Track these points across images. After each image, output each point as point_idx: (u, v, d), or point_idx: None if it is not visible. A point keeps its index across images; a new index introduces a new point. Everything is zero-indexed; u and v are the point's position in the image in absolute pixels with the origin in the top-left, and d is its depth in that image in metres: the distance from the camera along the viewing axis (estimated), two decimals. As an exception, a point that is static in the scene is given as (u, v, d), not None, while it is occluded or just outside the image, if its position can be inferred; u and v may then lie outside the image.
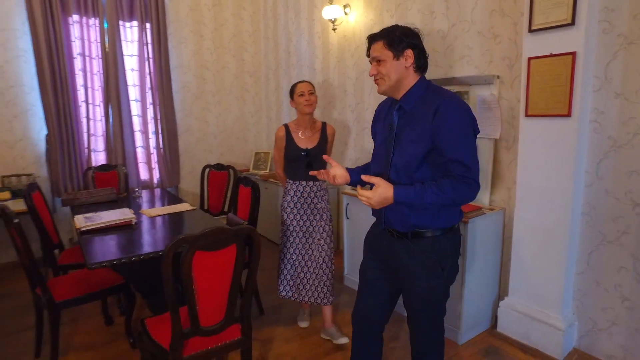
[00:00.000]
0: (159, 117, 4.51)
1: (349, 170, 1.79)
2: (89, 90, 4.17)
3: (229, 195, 3.66)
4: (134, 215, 2.59)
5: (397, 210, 1.57)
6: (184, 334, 1.68)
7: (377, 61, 1.55)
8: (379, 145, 1.68)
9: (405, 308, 1.74)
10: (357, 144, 3.88)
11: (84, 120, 4.17)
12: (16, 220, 2.05)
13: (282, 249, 2.65)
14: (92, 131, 4.23)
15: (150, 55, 4.39)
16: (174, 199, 3.42)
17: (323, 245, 2.54)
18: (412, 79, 1.56)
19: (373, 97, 3.59)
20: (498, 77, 2.61)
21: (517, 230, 2.49)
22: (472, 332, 2.59)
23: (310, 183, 2.55)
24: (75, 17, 4.01)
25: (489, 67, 2.67)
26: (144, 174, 4.55)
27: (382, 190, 1.47)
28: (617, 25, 2.10)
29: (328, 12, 3.69)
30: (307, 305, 2.80)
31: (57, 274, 2.75)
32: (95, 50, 4.15)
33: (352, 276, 3.30)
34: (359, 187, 1.61)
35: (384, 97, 1.75)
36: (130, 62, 4.37)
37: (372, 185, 1.53)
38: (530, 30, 2.28)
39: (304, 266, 2.59)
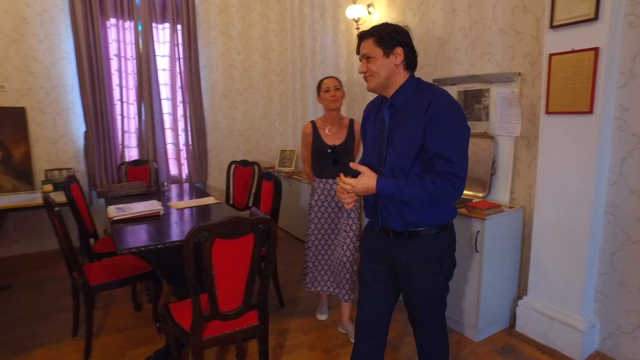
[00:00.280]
0: (188, 114, 4.69)
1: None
2: (124, 90, 4.39)
3: (253, 190, 3.77)
4: (161, 207, 2.74)
5: (392, 208, 1.57)
6: (204, 317, 1.78)
7: (367, 58, 1.55)
8: (370, 145, 1.67)
9: (406, 307, 1.74)
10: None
11: (119, 118, 4.39)
12: (56, 209, 2.22)
13: (308, 245, 2.68)
14: (126, 128, 4.45)
15: (181, 56, 4.57)
16: (201, 193, 3.57)
17: (349, 244, 2.52)
18: (402, 76, 1.56)
19: (395, 95, 3.61)
20: (519, 74, 2.59)
21: (537, 229, 2.46)
22: (490, 330, 2.59)
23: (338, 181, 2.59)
24: (113, 20, 4.24)
25: (511, 64, 2.65)
26: (173, 170, 4.74)
27: (365, 179, 1.51)
28: (643, 19, 2.05)
29: (352, 12, 3.74)
30: (326, 298, 2.86)
31: (92, 260, 2.94)
32: (130, 52, 4.37)
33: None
34: (341, 175, 1.61)
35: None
36: (162, 62, 4.56)
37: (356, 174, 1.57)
38: (552, 26, 2.25)
39: (327, 261, 2.64)
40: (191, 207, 2.95)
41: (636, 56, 2.09)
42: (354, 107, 4.16)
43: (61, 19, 4.07)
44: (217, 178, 5.02)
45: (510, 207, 2.60)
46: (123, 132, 4.43)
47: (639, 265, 2.17)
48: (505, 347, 2.48)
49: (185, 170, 4.80)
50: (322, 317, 2.82)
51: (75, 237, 3.10)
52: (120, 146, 4.43)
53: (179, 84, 4.62)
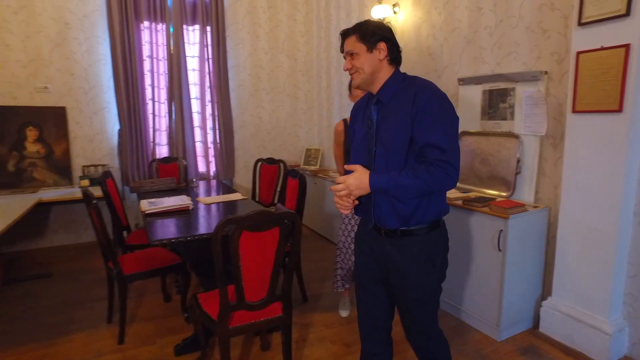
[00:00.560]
0: (216, 113, 4.83)
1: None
2: (155, 89, 4.56)
3: (278, 188, 3.85)
4: (191, 202, 2.85)
5: (384, 205, 1.55)
6: (230, 306, 1.87)
7: (351, 55, 1.56)
8: (358, 143, 1.65)
9: (397, 309, 1.70)
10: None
11: (150, 117, 4.57)
12: (95, 202, 2.36)
13: (339, 247, 2.72)
14: (157, 126, 4.63)
15: (210, 56, 4.72)
16: (228, 190, 3.68)
17: None
18: (386, 71, 1.57)
19: (420, 94, 3.62)
20: (546, 72, 2.56)
21: (562, 229, 2.44)
22: (512, 330, 2.57)
23: None
24: (146, 23, 4.42)
25: (537, 62, 2.62)
26: (201, 167, 4.90)
27: (358, 174, 1.50)
28: (677, 15, 2.00)
29: (377, 12, 3.77)
30: (348, 294, 2.91)
31: (125, 252, 3.09)
32: (162, 53, 4.54)
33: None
34: (336, 178, 1.62)
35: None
36: (192, 63, 4.72)
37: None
38: (580, 24, 2.23)
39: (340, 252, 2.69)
40: (218, 203, 3.06)
41: (668, 54, 2.04)
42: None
43: (99, 23, 4.28)
44: (243, 176, 5.15)
45: (535, 207, 2.58)
46: (154, 131, 4.61)
47: (669, 268, 2.12)
48: (528, 347, 2.46)
49: (212, 168, 4.94)
50: (344, 313, 2.86)
51: (109, 229, 3.26)
52: (151, 144, 4.61)
53: (207, 83, 4.76)
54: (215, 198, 3.20)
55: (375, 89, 1.59)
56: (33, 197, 3.58)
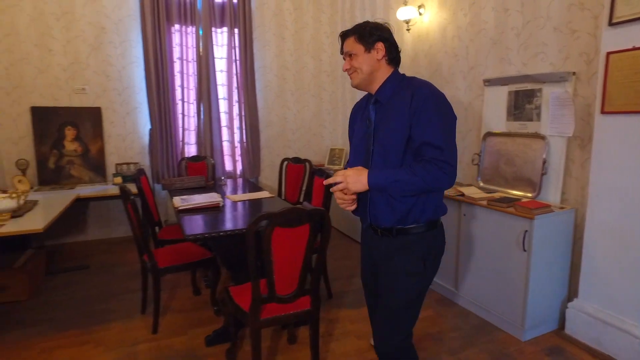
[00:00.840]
0: (243, 113, 4.95)
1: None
2: (185, 90, 4.72)
3: (304, 187, 3.94)
4: (221, 199, 2.97)
5: (380, 204, 1.55)
6: (262, 299, 1.96)
7: (350, 55, 1.59)
8: (357, 143, 1.66)
9: (379, 308, 1.67)
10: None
11: (180, 117, 4.73)
12: (132, 197, 2.49)
13: None
14: (186, 126, 4.79)
15: (238, 58, 4.84)
16: (255, 188, 3.79)
17: None
18: (385, 71, 1.59)
19: (445, 94, 3.63)
20: (574, 73, 2.55)
21: (589, 231, 2.43)
22: (537, 331, 2.58)
23: None
24: (177, 26, 4.57)
25: (565, 63, 2.62)
26: (228, 165, 5.03)
27: (357, 169, 1.51)
28: None
29: (403, 13, 3.80)
30: None
31: (157, 247, 3.23)
32: (191, 55, 4.69)
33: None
34: (335, 173, 1.59)
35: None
36: (220, 64, 4.85)
37: None
38: (611, 24, 2.22)
39: None
40: (247, 200, 3.16)
41: (702, 54, 2.02)
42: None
43: (133, 27, 4.46)
44: (268, 175, 5.26)
45: (561, 208, 2.57)
46: (183, 130, 4.76)
47: (701, 271, 2.10)
48: (554, 348, 2.47)
49: (239, 167, 5.07)
50: None
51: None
52: (180, 143, 4.77)
53: (235, 84, 4.89)
54: (244, 196, 3.31)
55: (373, 89, 1.61)
56: (72, 193, 3.77)
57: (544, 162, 2.70)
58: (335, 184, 1.55)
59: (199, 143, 4.84)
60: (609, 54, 2.24)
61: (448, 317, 2.85)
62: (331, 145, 5.56)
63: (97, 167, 4.48)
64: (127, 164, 4.59)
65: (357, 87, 1.63)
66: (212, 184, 3.98)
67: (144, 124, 4.65)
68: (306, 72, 5.34)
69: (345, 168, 1.64)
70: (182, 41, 4.62)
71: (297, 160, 4.09)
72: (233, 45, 4.82)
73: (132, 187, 3.28)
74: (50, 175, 4.28)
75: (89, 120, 4.41)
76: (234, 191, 3.67)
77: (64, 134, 4.32)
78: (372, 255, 1.69)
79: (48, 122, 4.25)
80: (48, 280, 3.52)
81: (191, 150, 4.87)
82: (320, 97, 5.47)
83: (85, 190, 4.01)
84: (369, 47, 1.56)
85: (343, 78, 5.39)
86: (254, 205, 3.03)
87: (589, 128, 2.51)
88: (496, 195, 2.85)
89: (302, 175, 4.01)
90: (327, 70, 5.46)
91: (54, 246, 4.35)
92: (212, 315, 2.89)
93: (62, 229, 4.46)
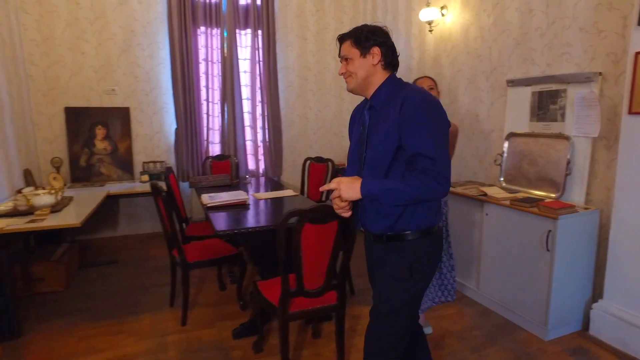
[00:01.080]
0: (266, 113, 5.05)
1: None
2: (209, 90, 4.84)
3: (325, 186, 3.99)
4: (247, 197, 3.06)
5: (370, 210, 1.56)
6: (291, 293, 2.03)
7: (346, 59, 1.56)
8: (353, 147, 1.65)
9: (370, 314, 1.66)
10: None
11: (205, 117, 4.85)
12: (164, 193, 2.61)
13: None
14: (210, 125, 4.91)
15: (261, 59, 4.94)
16: (279, 186, 3.87)
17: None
18: (380, 76, 1.56)
19: (467, 95, 3.66)
20: (600, 74, 2.55)
21: (614, 232, 2.43)
22: (560, 331, 2.59)
23: None
24: (202, 28, 4.70)
25: (591, 63, 2.62)
26: (251, 164, 5.14)
27: (352, 178, 1.48)
28: None
29: (425, 15, 3.83)
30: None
31: (184, 243, 3.34)
32: (216, 56, 4.81)
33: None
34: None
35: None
36: (244, 65, 4.96)
37: None
38: None
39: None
40: (272, 198, 3.25)
41: None
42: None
43: (160, 29, 4.60)
44: (290, 174, 5.35)
45: (586, 208, 2.57)
46: (208, 130, 4.89)
47: None
48: (578, 349, 2.47)
49: (262, 165, 5.17)
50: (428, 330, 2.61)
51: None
52: (205, 142, 4.90)
53: (258, 84, 4.99)
54: (269, 194, 3.40)
55: (369, 94, 1.59)
56: (102, 190, 3.92)
57: (568, 162, 2.71)
58: (332, 191, 1.53)
59: (223, 142, 4.95)
60: (637, 53, 2.24)
61: (470, 316, 2.88)
62: (351, 145, 5.60)
63: (125, 165, 4.64)
64: (154, 162, 4.73)
65: (352, 91, 1.61)
66: (237, 182, 4.08)
67: (170, 124, 4.79)
68: (327, 72, 5.40)
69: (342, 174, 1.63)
70: (207, 43, 4.74)
71: (319, 159, 4.16)
72: (256, 46, 4.92)
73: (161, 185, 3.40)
74: (81, 173, 4.46)
75: (118, 120, 4.57)
76: (258, 189, 3.76)
77: (94, 133, 4.49)
78: (369, 258, 1.72)
79: (80, 121, 4.43)
80: (81, 273, 3.68)
81: (215, 149, 4.99)
82: (342, 97, 5.53)
83: (114, 188, 4.16)
84: (364, 52, 1.53)
85: (364, 78, 5.42)
86: (278, 203, 3.12)
87: (615, 128, 2.51)
88: (519, 195, 2.87)
89: (325, 174, 4.07)
90: (348, 71, 5.49)
91: (84, 241, 4.52)
92: (237, 310, 2.98)
93: (91, 224, 4.63)
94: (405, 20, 4.45)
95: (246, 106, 5.02)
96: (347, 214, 1.57)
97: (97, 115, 4.49)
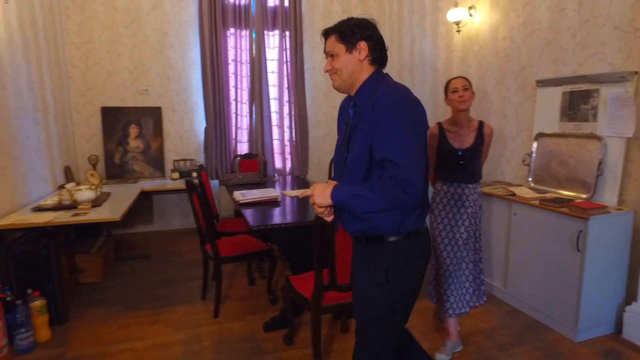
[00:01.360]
0: (293, 113, 5.15)
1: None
2: (238, 91, 4.96)
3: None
4: (278, 194, 3.14)
5: (345, 213, 1.49)
6: (324, 286, 2.10)
7: (331, 56, 1.47)
8: (339, 146, 1.56)
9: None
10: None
11: (233, 116, 4.98)
12: (199, 189, 2.71)
13: (445, 263, 2.47)
14: (239, 125, 5.03)
15: (288, 59, 5.04)
16: (306, 185, 3.95)
17: (469, 252, 2.46)
18: (366, 72, 1.46)
19: (495, 96, 3.65)
20: (636, 73, 2.52)
21: (648, 233, 2.40)
22: (591, 333, 2.57)
23: (463, 185, 2.39)
24: (232, 30, 4.82)
25: (626, 63, 2.59)
26: (278, 163, 5.24)
27: (326, 184, 1.42)
28: None
29: (453, 15, 3.84)
30: (456, 336, 2.51)
31: (215, 238, 3.44)
32: (245, 57, 4.93)
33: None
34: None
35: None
36: (271, 66, 5.06)
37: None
38: (675, 25, 2.19)
39: (468, 274, 2.49)
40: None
41: None
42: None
43: (192, 31, 4.75)
44: (316, 173, 5.43)
45: (619, 209, 2.55)
46: (236, 129, 5.01)
47: None
48: (610, 351, 2.45)
49: (288, 164, 5.27)
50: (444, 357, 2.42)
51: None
52: (233, 141, 5.03)
53: (285, 85, 5.09)
54: (299, 191, 3.47)
55: (354, 91, 1.49)
56: (136, 187, 4.08)
57: (600, 163, 2.68)
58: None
59: (251, 141, 5.07)
60: (673, 54, 2.22)
61: (497, 315, 2.88)
62: (376, 144, 5.63)
63: (156, 163, 4.80)
64: (184, 160, 4.87)
65: (337, 89, 1.51)
66: (265, 180, 4.18)
67: (200, 123, 4.93)
68: (353, 72, 5.44)
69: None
70: (237, 44, 4.86)
71: (345, 158, 4.21)
72: (284, 47, 5.01)
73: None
74: (115, 170, 4.64)
75: (150, 119, 4.74)
76: (285, 187, 3.84)
77: (128, 131, 4.67)
78: (352, 259, 1.66)
79: (115, 121, 4.61)
80: (116, 266, 3.85)
81: (243, 148, 5.11)
82: (366, 97, 5.55)
83: (147, 185, 4.32)
84: (350, 47, 1.43)
85: (389, 78, 5.44)
86: (307, 201, 3.18)
87: (650, 129, 2.48)
88: (548, 195, 2.86)
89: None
90: (374, 71, 5.53)
91: (118, 236, 4.70)
92: (267, 304, 3.07)
93: (125, 219, 4.79)
94: (432, 21, 4.46)
95: (274, 106, 5.12)
96: (328, 218, 1.47)
97: (130, 115, 4.67)
